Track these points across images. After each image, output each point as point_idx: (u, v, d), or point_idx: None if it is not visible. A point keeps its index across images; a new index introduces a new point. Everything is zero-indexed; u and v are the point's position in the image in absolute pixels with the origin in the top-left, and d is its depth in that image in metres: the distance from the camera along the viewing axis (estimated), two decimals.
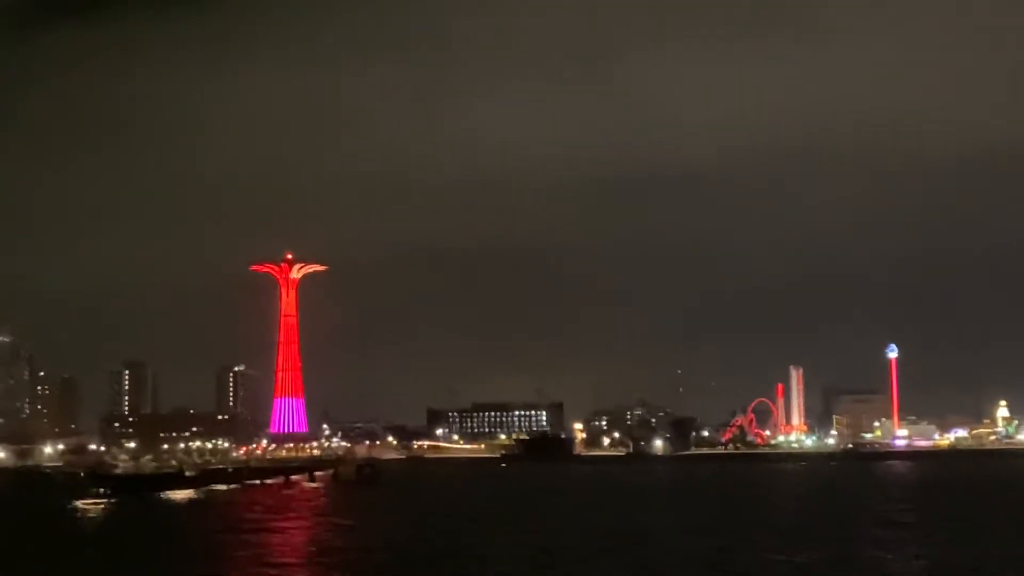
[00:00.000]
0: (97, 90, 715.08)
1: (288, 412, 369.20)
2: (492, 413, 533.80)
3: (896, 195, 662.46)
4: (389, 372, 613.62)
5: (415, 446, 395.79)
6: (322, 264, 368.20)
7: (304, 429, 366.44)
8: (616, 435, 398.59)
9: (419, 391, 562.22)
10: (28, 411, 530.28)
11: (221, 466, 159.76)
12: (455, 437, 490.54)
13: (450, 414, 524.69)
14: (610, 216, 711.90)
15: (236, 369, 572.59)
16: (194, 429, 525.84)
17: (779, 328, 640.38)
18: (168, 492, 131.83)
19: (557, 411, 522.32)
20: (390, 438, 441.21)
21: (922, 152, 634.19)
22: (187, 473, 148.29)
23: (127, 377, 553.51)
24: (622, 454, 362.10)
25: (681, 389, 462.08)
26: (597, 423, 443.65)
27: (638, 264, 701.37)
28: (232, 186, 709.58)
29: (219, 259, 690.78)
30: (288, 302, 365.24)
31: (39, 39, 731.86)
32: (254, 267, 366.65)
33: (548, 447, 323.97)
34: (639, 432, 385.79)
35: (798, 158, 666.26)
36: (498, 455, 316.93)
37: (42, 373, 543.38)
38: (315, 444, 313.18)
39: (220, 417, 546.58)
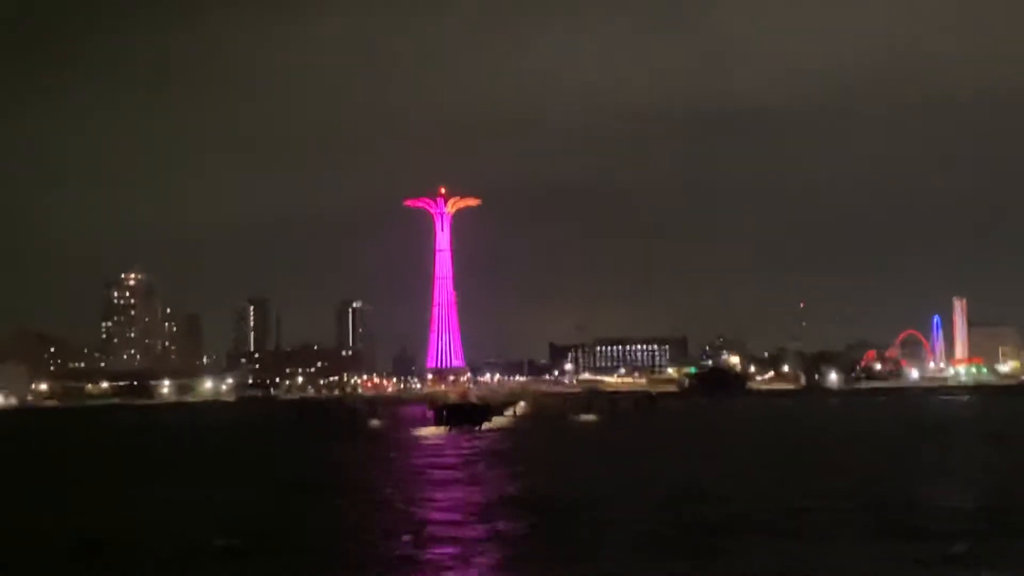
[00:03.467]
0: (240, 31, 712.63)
1: (444, 347, 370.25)
2: (614, 347, 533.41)
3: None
4: (511, 307, 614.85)
5: (574, 381, 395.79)
6: (476, 198, 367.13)
7: (461, 364, 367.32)
8: (785, 368, 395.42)
9: (538, 326, 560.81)
10: (160, 348, 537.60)
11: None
12: (583, 372, 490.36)
13: (573, 349, 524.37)
14: (719, 152, 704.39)
15: (355, 305, 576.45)
16: (319, 364, 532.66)
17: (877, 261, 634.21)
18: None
19: (680, 345, 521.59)
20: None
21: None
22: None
23: (252, 313, 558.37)
24: (795, 388, 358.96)
25: (804, 323, 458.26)
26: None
27: (744, 198, 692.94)
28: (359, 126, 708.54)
29: (351, 195, 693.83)
30: (443, 236, 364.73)
31: None
32: (408, 202, 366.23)
33: (722, 381, 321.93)
34: (818, 365, 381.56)
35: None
36: (658, 390, 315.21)
37: (168, 310, 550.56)
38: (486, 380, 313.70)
39: (344, 352, 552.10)
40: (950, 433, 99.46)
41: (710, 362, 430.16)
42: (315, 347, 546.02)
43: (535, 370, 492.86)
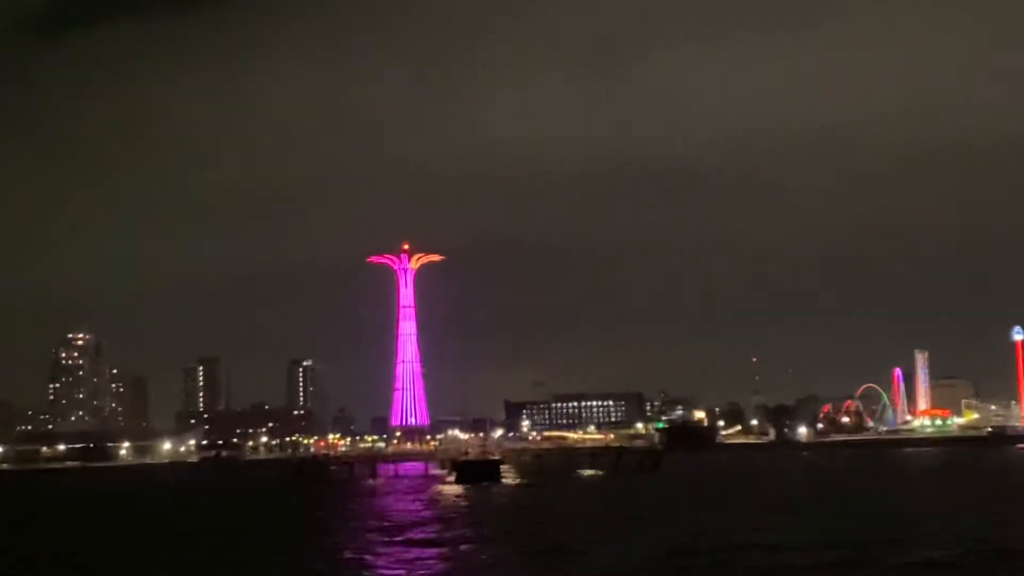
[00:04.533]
0: (149, 96, 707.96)
1: (408, 404, 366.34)
2: (571, 403, 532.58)
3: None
4: (467, 364, 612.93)
5: (534, 438, 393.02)
6: (439, 254, 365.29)
7: (425, 422, 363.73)
8: (754, 422, 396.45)
9: (493, 384, 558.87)
10: (108, 410, 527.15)
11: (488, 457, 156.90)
12: (533, 431, 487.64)
13: (528, 406, 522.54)
14: (654, 207, 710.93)
15: (305, 364, 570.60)
16: (270, 424, 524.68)
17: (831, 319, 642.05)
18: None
19: (635, 400, 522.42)
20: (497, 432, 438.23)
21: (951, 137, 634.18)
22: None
23: (201, 373, 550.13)
24: (764, 441, 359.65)
25: (757, 377, 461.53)
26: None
27: (698, 254, 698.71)
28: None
29: (306, 254, 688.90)
30: (407, 293, 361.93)
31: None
32: (372, 258, 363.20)
33: (691, 435, 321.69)
34: (778, 419, 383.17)
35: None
36: (627, 444, 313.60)
37: (115, 371, 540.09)
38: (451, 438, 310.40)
39: (295, 412, 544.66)
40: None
41: (677, 415, 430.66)
42: (266, 407, 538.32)
43: (492, 427, 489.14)
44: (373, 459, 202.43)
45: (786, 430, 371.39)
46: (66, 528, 79.33)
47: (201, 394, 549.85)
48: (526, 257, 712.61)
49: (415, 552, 48.17)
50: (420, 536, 57.33)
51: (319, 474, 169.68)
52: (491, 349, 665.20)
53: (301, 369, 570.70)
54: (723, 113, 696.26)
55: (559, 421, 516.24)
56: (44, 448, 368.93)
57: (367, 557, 46.54)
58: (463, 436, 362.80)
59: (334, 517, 77.35)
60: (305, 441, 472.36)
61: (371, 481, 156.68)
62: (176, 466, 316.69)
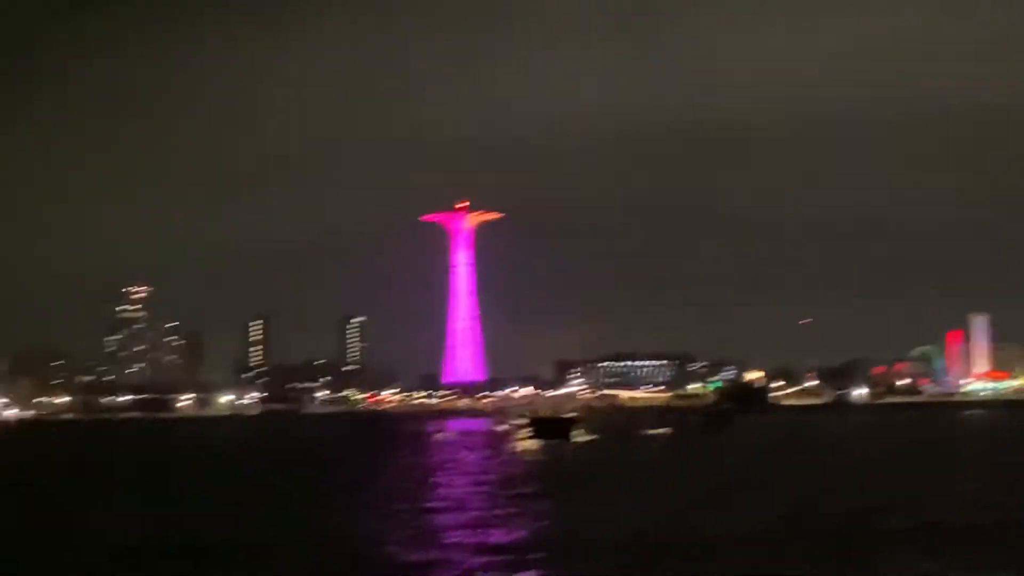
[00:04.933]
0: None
1: (463, 362, 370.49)
2: (619, 364, 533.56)
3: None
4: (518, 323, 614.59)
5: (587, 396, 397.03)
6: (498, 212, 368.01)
7: (482, 378, 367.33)
8: (810, 383, 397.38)
9: (543, 343, 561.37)
10: (165, 363, 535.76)
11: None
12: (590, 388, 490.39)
13: (577, 365, 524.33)
14: (704, 170, 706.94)
15: (356, 320, 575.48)
16: (322, 379, 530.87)
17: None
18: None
19: (684, 361, 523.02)
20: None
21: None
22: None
23: (255, 329, 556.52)
24: (819, 403, 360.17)
25: (807, 339, 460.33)
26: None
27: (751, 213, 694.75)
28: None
29: (359, 212, 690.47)
30: (462, 251, 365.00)
31: None
32: (426, 217, 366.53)
33: (746, 396, 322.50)
34: (833, 380, 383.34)
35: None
36: (682, 404, 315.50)
37: (171, 325, 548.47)
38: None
39: (347, 367, 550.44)
40: None
41: (729, 375, 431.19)
42: (318, 362, 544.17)
43: (540, 386, 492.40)
44: (441, 413, 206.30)
45: (841, 392, 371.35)
46: (143, 475, 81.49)
47: (256, 349, 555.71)
48: (578, 218, 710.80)
49: (529, 506, 49.08)
50: (528, 490, 57.90)
51: (390, 427, 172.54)
52: (542, 308, 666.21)
53: (352, 325, 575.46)
54: (772, 75, 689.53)
55: (608, 380, 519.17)
56: (107, 399, 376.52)
57: (483, 512, 47.17)
58: (519, 393, 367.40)
59: (431, 469, 78.97)
60: (358, 396, 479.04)
61: (442, 435, 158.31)
62: (237, 418, 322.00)
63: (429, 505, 49.24)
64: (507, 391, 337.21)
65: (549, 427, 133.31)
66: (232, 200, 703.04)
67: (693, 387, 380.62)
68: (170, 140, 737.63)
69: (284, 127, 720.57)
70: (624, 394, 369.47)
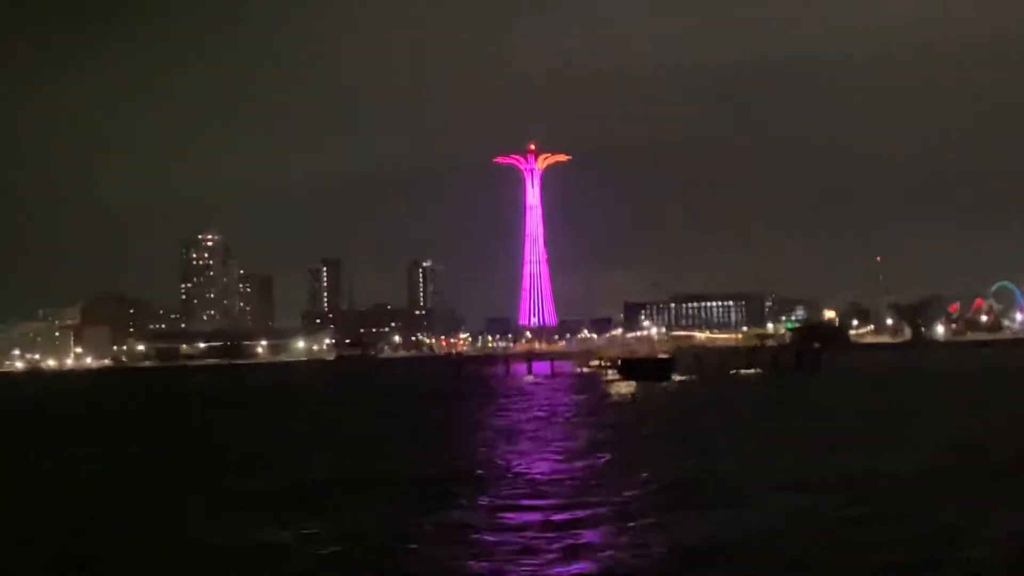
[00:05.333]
0: None
1: (535, 305, 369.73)
2: (689, 305, 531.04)
3: None
4: (586, 265, 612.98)
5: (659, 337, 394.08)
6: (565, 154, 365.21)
7: (553, 322, 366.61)
8: (889, 321, 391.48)
9: (611, 284, 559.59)
10: (237, 309, 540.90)
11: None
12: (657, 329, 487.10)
13: (647, 306, 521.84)
14: (777, 107, 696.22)
15: (425, 264, 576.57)
16: (392, 324, 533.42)
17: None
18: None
19: (755, 301, 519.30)
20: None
21: None
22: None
23: (324, 274, 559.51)
24: (899, 341, 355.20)
25: (882, 276, 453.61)
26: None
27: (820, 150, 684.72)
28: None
29: (429, 154, 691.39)
30: (533, 193, 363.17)
31: None
32: (499, 159, 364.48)
33: (823, 335, 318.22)
34: (912, 318, 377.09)
35: None
36: (754, 344, 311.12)
37: (242, 271, 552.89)
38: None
39: (417, 312, 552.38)
40: None
41: (800, 315, 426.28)
42: (388, 307, 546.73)
43: (612, 328, 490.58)
44: (516, 357, 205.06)
45: (922, 329, 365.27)
46: (241, 419, 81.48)
47: (325, 295, 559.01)
48: (649, 158, 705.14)
49: (654, 447, 48.17)
50: (646, 432, 57.06)
51: (471, 371, 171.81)
52: (610, 249, 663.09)
53: (421, 270, 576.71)
54: (859, 9, 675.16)
55: (677, 321, 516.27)
56: (183, 346, 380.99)
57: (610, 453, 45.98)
58: (592, 336, 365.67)
59: (539, 414, 77.96)
60: (428, 340, 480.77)
61: (529, 378, 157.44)
62: (314, 363, 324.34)
63: (552, 448, 48.03)
64: (582, 334, 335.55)
65: (645, 368, 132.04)
66: (301, 143, 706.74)
67: (770, 327, 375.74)
68: (240, 83, 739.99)
69: (353, 68, 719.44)
70: (699, 335, 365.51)
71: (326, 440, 56.75)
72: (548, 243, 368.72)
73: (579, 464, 41.32)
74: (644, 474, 37.40)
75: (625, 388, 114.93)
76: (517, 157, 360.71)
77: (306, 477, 39.61)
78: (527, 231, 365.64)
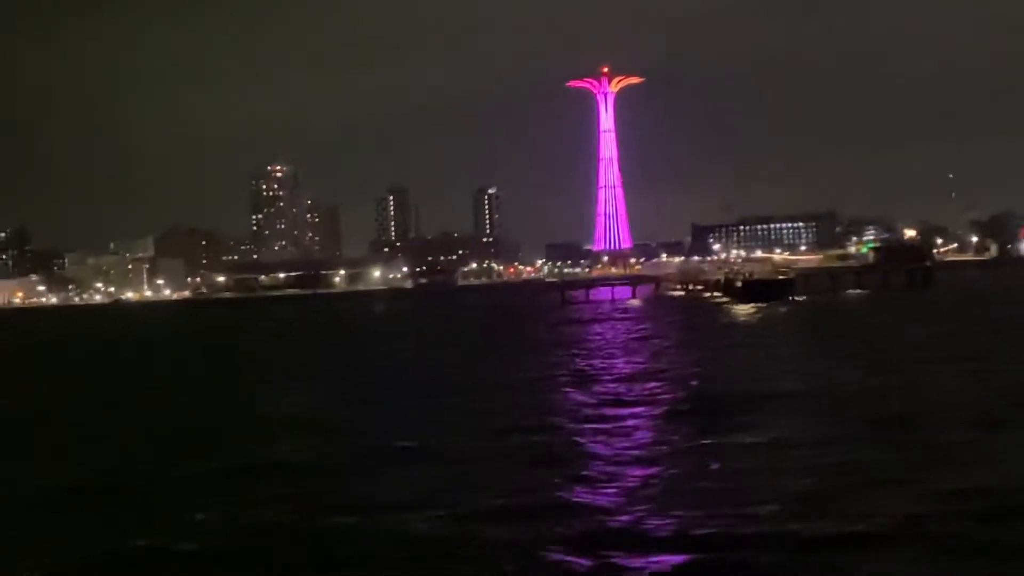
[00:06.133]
0: None
1: (610, 230, 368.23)
2: (759, 227, 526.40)
3: None
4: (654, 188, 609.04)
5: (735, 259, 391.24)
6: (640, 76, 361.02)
7: (628, 246, 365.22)
8: (974, 238, 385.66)
9: (679, 207, 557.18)
10: (307, 239, 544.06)
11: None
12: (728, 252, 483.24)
13: (715, 229, 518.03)
14: (842, 20, 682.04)
15: (490, 191, 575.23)
16: (460, 252, 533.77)
17: None
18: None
19: (827, 220, 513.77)
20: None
21: None
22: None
23: (391, 203, 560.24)
24: (986, 259, 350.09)
25: (954, 194, 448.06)
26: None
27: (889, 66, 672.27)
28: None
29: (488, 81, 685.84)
30: (607, 117, 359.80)
31: None
32: (572, 83, 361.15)
33: (907, 255, 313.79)
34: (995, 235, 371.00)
35: None
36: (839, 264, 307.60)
37: (310, 201, 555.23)
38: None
39: (484, 239, 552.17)
40: None
41: (873, 234, 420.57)
42: (455, 235, 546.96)
43: (682, 251, 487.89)
44: (594, 282, 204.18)
45: (1010, 247, 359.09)
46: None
47: (393, 223, 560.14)
48: (713, 79, 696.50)
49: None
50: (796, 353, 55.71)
51: (557, 297, 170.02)
52: (677, 172, 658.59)
53: (486, 197, 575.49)
54: None
55: (747, 243, 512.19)
56: (262, 277, 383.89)
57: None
58: (668, 259, 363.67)
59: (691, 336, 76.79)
60: (497, 267, 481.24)
61: (637, 302, 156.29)
62: (395, 292, 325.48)
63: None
64: (659, 258, 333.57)
65: (767, 289, 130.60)
66: (367, 74, 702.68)
67: (852, 247, 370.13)
68: (303, 14, 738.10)
69: None
70: (778, 256, 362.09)
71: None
72: (623, 166, 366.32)
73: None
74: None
75: (745, 310, 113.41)
76: (591, 80, 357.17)
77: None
78: (600, 155, 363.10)
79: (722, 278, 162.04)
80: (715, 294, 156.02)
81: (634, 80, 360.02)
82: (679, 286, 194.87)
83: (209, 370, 63.65)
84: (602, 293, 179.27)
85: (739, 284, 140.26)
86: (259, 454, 28.14)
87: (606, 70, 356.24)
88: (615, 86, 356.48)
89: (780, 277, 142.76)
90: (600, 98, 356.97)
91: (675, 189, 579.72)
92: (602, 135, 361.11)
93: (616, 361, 53.61)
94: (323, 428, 32.83)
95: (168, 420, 36.93)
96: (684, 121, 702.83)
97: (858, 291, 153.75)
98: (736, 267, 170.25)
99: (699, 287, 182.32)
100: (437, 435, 30.06)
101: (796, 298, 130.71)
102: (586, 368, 49.87)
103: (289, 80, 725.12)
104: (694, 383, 40.80)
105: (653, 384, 40.94)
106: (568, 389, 40.28)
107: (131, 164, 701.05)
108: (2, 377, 66.38)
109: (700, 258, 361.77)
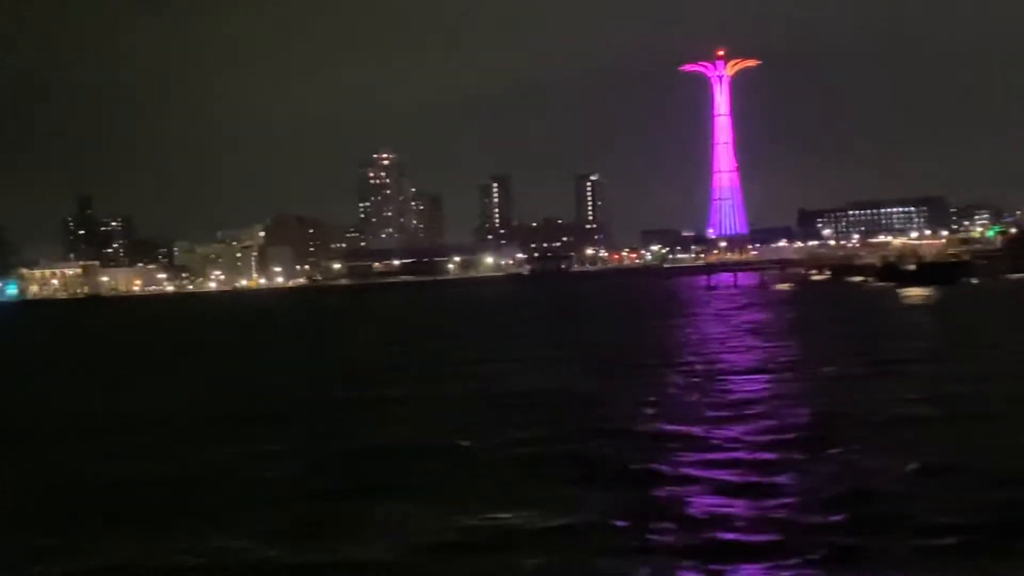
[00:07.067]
0: None
1: (725, 215, 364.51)
2: (867, 211, 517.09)
3: None
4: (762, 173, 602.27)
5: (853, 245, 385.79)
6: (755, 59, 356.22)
7: (745, 230, 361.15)
8: None
9: (783, 192, 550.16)
10: (411, 227, 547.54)
11: None
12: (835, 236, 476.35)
13: (824, 214, 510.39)
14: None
15: (592, 178, 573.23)
16: (564, 239, 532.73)
17: None
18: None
19: (937, 205, 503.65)
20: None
21: None
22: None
23: (495, 190, 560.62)
24: None
25: None
26: None
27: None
28: None
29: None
30: (722, 100, 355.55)
31: None
32: (685, 66, 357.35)
33: None
34: None
35: None
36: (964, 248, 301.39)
37: (414, 189, 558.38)
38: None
39: (588, 226, 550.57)
40: None
41: (987, 219, 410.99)
42: (559, 221, 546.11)
43: (792, 235, 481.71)
44: (712, 268, 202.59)
45: None
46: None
47: (496, 210, 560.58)
48: (827, 63, 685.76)
49: None
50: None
51: (684, 282, 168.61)
52: (785, 156, 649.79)
53: (588, 183, 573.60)
54: None
55: (855, 229, 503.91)
56: (375, 264, 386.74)
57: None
58: (785, 245, 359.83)
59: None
60: (603, 253, 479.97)
61: (784, 286, 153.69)
62: (510, 278, 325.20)
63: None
64: (780, 242, 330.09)
65: (941, 272, 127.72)
66: (473, 51, 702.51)
67: (977, 232, 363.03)
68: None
69: None
70: (896, 241, 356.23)
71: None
72: (738, 151, 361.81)
73: None
74: None
75: (918, 294, 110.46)
76: (705, 64, 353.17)
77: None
78: (715, 139, 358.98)
79: (878, 261, 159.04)
80: (867, 278, 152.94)
81: (750, 63, 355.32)
82: (814, 271, 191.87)
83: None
84: (724, 279, 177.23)
85: (910, 267, 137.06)
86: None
87: (721, 53, 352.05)
88: (731, 69, 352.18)
89: (956, 260, 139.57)
90: (715, 81, 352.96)
91: (779, 173, 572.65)
92: (716, 119, 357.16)
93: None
94: None
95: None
96: (795, 104, 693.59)
97: (1017, 275, 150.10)
98: (898, 250, 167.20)
99: (827, 271, 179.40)
100: None
101: (972, 280, 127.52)
102: None
103: (391, 64, 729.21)
104: None
105: None
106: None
107: (237, 155, 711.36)
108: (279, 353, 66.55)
109: (818, 242, 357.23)
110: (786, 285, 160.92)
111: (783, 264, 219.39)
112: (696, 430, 26.24)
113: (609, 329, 73.81)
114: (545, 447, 24.74)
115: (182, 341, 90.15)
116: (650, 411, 30.03)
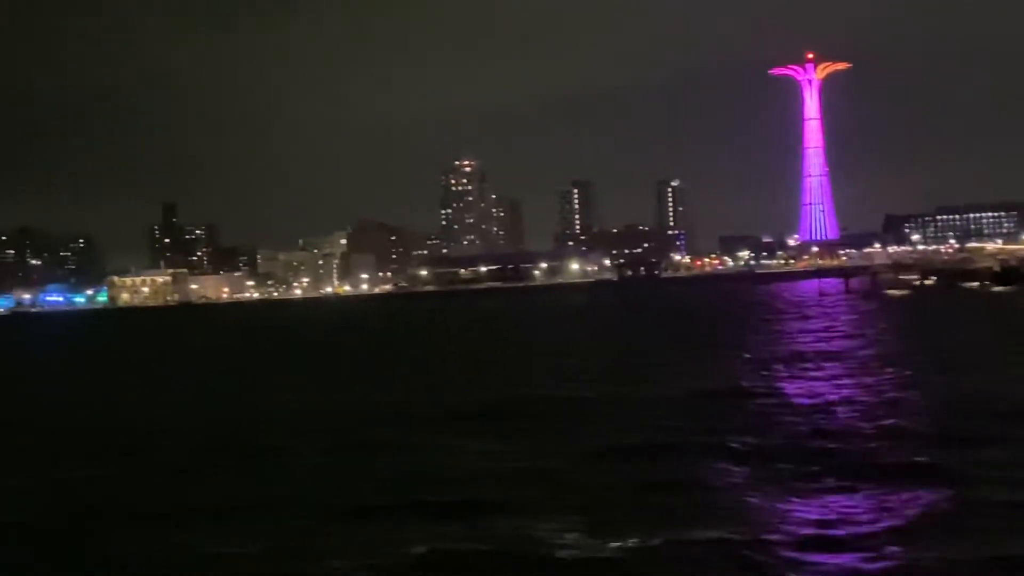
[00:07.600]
0: None
1: (815, 220, 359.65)
2: (956, 217, 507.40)
3: None
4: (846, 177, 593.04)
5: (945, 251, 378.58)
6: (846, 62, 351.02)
7: (835, 236, 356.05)
8: None
9: (869, 196, 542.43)
10: (492, 234, 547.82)
11: None
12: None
13: (911, 219, 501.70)
14: None
15: (673, 184, 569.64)
16: (645, 245, 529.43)
17: None
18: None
19: None
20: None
21: None
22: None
23: (576, 196, 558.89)
24: None
25: None
26: None
27: None
28: None
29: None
30: (812, 104, 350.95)
31: None
32: (775, 70, 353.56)
33: None
34: None
35: None
36: None
37: (494, 196, 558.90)
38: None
39: (669, 232, 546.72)
40: None
41: None
42: (640, 227, 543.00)
43: (879, 241, 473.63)
44: (843, 271, 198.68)
45: None
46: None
47: (577, 216, 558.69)
48: (917, 66, 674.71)
49: None
50: None
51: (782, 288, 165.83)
52: (868, 160, 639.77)
53: (669, 189, 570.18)
54: None
55: (943, 234, 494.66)
56: (462, 270, 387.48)
57: None
58: (883, 249, 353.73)
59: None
60: (683, 259, 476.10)
61: (895, 292, 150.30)
62: (598, 284, 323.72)
63: None
64: (874, 247, 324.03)
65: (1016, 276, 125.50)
66: (555, 55, 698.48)
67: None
68: (479, 9, 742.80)
69: None
70: (990, 246, 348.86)
71: None
72: (828, 155, 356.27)
73: None
74: None
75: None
76: (795, 67, 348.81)
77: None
78: (805, 144, 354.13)
79: (996, 266, 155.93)
80: (984, 283, 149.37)
81: (841, 66, 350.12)
82: (913, 276, 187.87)
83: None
84: (831, 284, 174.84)
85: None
86: None
87: (811, 56, 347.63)
88: (821, 72, 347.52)
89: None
90: (804, 85, 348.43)
91: (861, 178, 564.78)
92: (806, 123, 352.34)
93: None
94: None
95: None
96: (884, 106, 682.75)
97: None
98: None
99: (930, 277, 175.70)
100: None
101: None
102: None
103: (466, 70, 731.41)
104: None
105: None
106: None
107: (318, 163, 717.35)
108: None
109: (910, 247, 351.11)
110: (901, 291, 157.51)
111: (874, 270, 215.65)
112: None
113: (764, 332, 72.16)
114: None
115: (320, 343, 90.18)
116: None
